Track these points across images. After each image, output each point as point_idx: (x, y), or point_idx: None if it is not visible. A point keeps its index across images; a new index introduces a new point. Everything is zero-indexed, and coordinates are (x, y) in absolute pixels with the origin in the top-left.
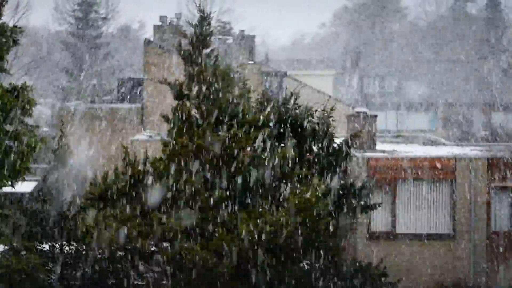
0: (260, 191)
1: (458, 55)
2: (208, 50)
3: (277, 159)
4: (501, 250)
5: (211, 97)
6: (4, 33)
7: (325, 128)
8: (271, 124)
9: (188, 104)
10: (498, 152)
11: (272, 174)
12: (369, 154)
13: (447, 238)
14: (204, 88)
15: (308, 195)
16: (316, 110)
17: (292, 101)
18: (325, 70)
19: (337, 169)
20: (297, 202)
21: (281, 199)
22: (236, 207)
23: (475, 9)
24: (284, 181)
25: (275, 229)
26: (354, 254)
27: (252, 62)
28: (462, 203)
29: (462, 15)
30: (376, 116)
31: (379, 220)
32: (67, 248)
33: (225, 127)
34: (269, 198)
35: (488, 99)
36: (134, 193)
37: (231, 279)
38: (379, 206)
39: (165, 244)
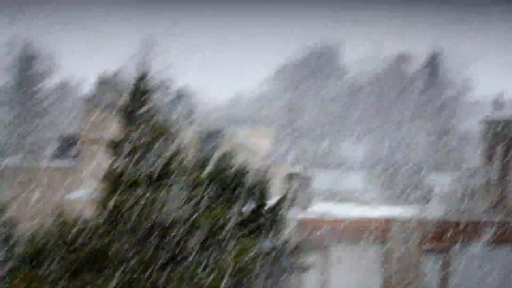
0: (194, 252)
1: (397, 114)
2: (146, 108)
3: (212, 220)
4: None
5: (149, 155)
6: None
7: (261, 188)
8: (207, 184)
9: (125, 161)
10: (433, 214)
11: (207, 235)
12: (302, 216)
13: None
14: (141, 146)
15: (239, 256)
16: (252, 170)
17: (228, 160)
18: (263, 129)
19: (270, 230)
20: (228, 263)
21: (214, 261)
22: (170, 269)
23: (414, 68)
24: (218, 242)
25: None
26: None
27: (190, 119)
28: (394, 265)
29: (401, 74)
30: (311, 176)
31: (311, 281)
32: None
33: (161, 186)
34: (203, 259)
35: (425, 159)
36: (66, 254)
37: None
38: (311, 267)
39: None
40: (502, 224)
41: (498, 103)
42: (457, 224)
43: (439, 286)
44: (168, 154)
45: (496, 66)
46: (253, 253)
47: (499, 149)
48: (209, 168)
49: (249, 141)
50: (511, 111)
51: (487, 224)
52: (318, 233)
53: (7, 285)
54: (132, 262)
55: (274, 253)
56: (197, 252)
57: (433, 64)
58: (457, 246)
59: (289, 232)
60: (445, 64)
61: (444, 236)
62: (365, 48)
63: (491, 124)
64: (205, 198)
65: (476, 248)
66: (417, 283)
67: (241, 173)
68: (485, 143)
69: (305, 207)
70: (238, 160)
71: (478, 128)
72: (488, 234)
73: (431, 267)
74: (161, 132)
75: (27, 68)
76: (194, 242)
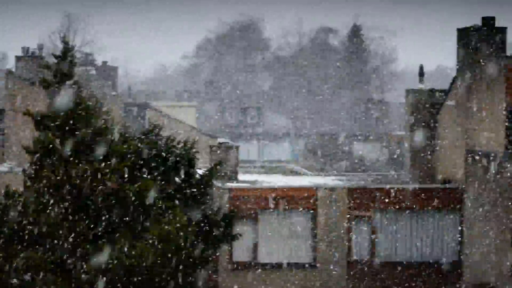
0: (123, 223)
1: (321, 85)
2: (71, 82)
3: (139, 191)
4: (361, 278)
5: (74, 128)
6: None
7: (188, 159)
8: (134, 156)
9: (50, 135)
10: (359, 181)
11: (135, 206)
12: (231, 185)
13: (309, 267)
14: (66, 119)
15: (170, 226)
16: (178, 141)
17: (154, 133)
18: (187, 102)
19: (200, 200)
20: (158, 233)
21: (143, 232)
22: (100, 241)
23: (337, 40)
24: (146, 212)
25: (136, 261)
26: (216, 284)
27: (115, 93)
28: (323, 232)
29: (325, 46)
30: (238, 146)
31: (241, 250)
32: None
33: (88, 159)
34: (131, 230)
35: (350, 129)
36: None
37: None
38: (241, 236)
39: (26, 278)
40: (428, 190)
41: (420, 74)
42: (383, 190)
43: (367, 251)
44: (94, 127)
45: (417, 39)
46: (183, 223)
47: (422, 118)
48: (135, 140)
49: (175, 113)
50: (432, 82)
51: (412, 190)
52: (247, 202)
53: None
54: (62, 234)
55: (204, 222)
56: (127, 223)
57: (356, 37)
58: (384, 212)
59: (218, 201)
60: (368, 36)
61: (370, 203)
62: (288, 21)
63: (415, 94)
64: (133, 169)
65: (402, 213)
66: (345, 249)
67: (168, 144)
68: (409, 112)
69: (233, 177)
70: (164, 132)
71: (402, 98)
72: (414, 200)
73: (358, 233)
74: (87, 106)
75: None
76: (124, 213)
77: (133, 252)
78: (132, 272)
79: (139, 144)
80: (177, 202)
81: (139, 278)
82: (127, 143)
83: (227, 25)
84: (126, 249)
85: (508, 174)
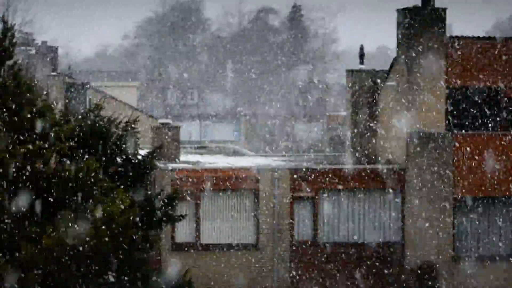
0: (64, 204)
1: (261, 66)
2: (11, 62)
3: (81, 172)
4: (304, 259)
5: (13, 109)
6: None
7: (130, 140)
8: (75, 136)
9: None
10: (301, 162)
11: (77, 186)
12: (173, 166)
13: (251, 248)
14: (6, 100)
15: (112, 207)
16: (120, 122)
17: (95, 113)
18: (128, 82)
19: (142, 181)
20: (101, 214)
21: (85, 212)
22: (43, 222)
23: (278, 21)
24: (88, 193)
25: (78, 242)
26: (159, 265)
27: (55, 74)
28: (266, 213)
29: (265, 26)
30: (179, 127)
31: (183, 231)
32: None
33: (28, 139)
34: (73, 211)
35: (291, 110)
36: None
37: None
38: (183, 217)
39: None
40: (370, 170)
41: (361, 55)
42: (326, 171)
43: (310, 232)
44: (35, 107)
45: (358, 20)
46: (125, 204)
47: (363, 99)
48: (76, 120)
49: (116, 94)
50: (373, 62)
51: (354, 171)
52: (189, 183)
53: None
54: (6, 215)
55: (146, 203)
56: (68, 203)
57: (296, 17)
58: (326, 192)
59: (160, 182)
60: (309, 17)
61: (313, 184)
62: (228, 1)
63: (355, 75)
64: (74, 150)
65: (345, 194)
66: (288, 230)
67: (109, 124)
68: (350, 93)
69: (175, 158)
70: (105, 112)
71: (343, 79)
72: (356, 181)
73: (301, 214)
74: (27, 87)
75: None
76: (65, 193)
77: (75, 233)
78: (74, 253)
79: (80, 124)
80: (119, 183)
81: (81, 259)
82: (68, 123)
83: (168, 5)
84: (67, 230)
85: (449, 154)
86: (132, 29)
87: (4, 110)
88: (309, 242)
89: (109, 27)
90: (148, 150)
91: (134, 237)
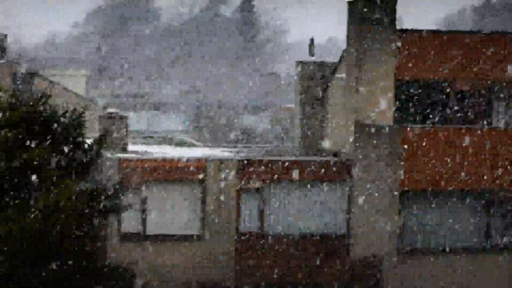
0: (12, 193)
1: (212, 56)
2: None
3: (28, 160)
4: (250, 251)
5: None
6: None
7: (77, 129)
8: (22, 125)
9: None
10: (249, 154)
11: (24, 175)
12: (121, 155)
13: (198, 239)
14: None
15: (60, 196)
16: (67, 111)
17: (43, 101)
18: (77, 70)
19: (89, 170)
20: (47, 203)
21: (31, 201)
22: None
23: (229, 11)
24: (35, 182)
25: (25, 231)
26: (105, 255)
27: (3, 61)
28: (212, 204)
29: (216, 16)
30: (127, 116)
31: (130, 222)
32: None
33: None
34: (21, 200)
35: (241, 101)
36: None
37: None
38: (130, 207)
39: None
40: (318, 162)
41: (310, 46)
42: (273, 162)
43: (256, 223)
44: None
45: (309, 11)
46: (71, 193)
47: (313, 90)
48: (23, 108)
49: (64, 82)
50: (323, 54)
51: (302, 162)
52: (136, 173)
53: None
54: None
55: (92, 193)
56: (15, 192)
57: (247, 8)
58: (274, 184)
59: (107, 172)
60: (260, 7)
61: (260, 175)
62: None
63: (305, 66)
64: (21, 138)
65: (292, 186)
66: (235, 221)
67: (57, 113)
68: (300, 85)
69: (123, 148)
70: (53, 101)
71: (293, 70)
72: (303, 172)
73: (248, 205)
74: None
75: None
76: (13, 182)
77: (22, 222)
78: (21, 242)
79: (27, 112)
80: (66, 172)
81: (28, 249)
82: (15, 111)
83: None
84: (15, 219)
85: (396, 147)
86: (81, 17)
87: None
88: (255, 234)
89: (59, 14)
90: (94, 140)
91: (81, 226)
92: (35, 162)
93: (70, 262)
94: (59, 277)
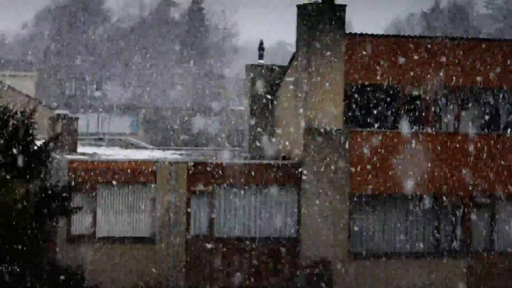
0: None
1: (162, 59)
2: None
3: None
4: (199, 254)
5: None
6: None
7: (26, 130)
8: None
9: None
10: (199, 156)
11: None
12: (70, 157)
13: (147, 242)
14: None
15: (7, 198)
16: (16, 112)
17: None
18: (26, 72)
19: (38, 172)
20: None
21: None
22: None
23: (178, 13)
24: None
25: None
26: (53, 257)
27: None
28: (162, 207)
29: (165, 18)
30: (77, 118)
31: (79, 224)
32: None
33: None
34: None
35: (190, 103)
36: None
37: None
38: (79, 209)
39: None
40: (267, 166)
41: (260, 49)
42: (223, 165)
43: (206, 226)
44: None
45: (259, 14)
46: (20, 195)
47: (262, 94)
48: None
49: (13, 83)
50: (273, 57)
51: (251, 166)
52: (86, 175)
53: None
54: None
55: (42, 195)
56: None
57: (196, 10)
58: (223, 187)
59: (56, 174)
60: (209, 10)
61: (210, 178)
62: None
63: (255, 69)
64: None
65: (242, 189)
66: (185, 224)
67: (5, 114)
68: (249, 88)
69: (72, 149)
70: (2, 102)
71: (242, 73)
72: (253, 175)
73: (197, 208)
74: None
75: None
76: None
77: None
78: None
79: None
80: (14, 173)
81: None
82: None
83: None
84: None
85: (345, 151)
86: (31, 18)
87: None
88: (205, 237)
89: (7, 15)
90: (44, 141)
91: (29, 228)
92: None
93: (18, 264)
94: (6, 280)
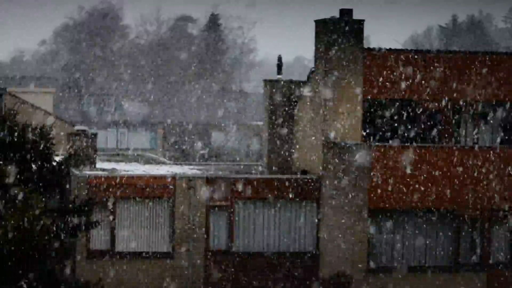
0: None
1: (180, 74)
2: None
3: None
4: (218, 268)
5: None
6: None
7: (45, 146)
8: None
9: None
10: (217, 171)
11: None
12: (89, 173)
13: (166, 257)
14: None
15: (26, 214)
16: (35, 128)
17: (11, 119)
18: (45, 88)
19: (57, 188)
20: (14, 221)
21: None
22: None
23: (196, 29)
24: (2, 199)
25: None
26: (73, 272)
27: None
28: (181, 222)
29: (183, 35)
30: (96, 134)
31: (98, 239)
32: None
33: None
34: None
35: (208, 119)
36: None
37: None
38: (99, 224)
39: None
40: (286, 180)
41: (279, 65)
42: (242, 180)
43: (225, 241)
44: None
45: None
46: (40, 211)
47: (280, 109)
48: None
49: (32, 99)
50: (291, 73)
51: (271, 180)
52: (105, 190)
53: None
54: None
55: (61, 210)
56: None
57: (214, 26)
58: (242, 202)
59: (75, 189)
60: (227, 26)
61: (229, 193)
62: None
63: (273, 84)
64: None
65: (261, 204)
66: (204, 238)
67: (24, 130)
68: (267, 103)
69: (91, 165)
70: (21, 118)
71: (260, 88)
72: (272, 190)
73: (217, 223)
74: None
75: None
76: None
77: None
78: None
79: None
80: (33, 189)
81: None
82: None
83: (86, 12)
84: None
85: (363, 165)
86: (49, 35)
87: None
88: (224, 251)
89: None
90: (63, 157)
91: (48, 244)
92: (1, 179)
93: (37, 280)
94: None
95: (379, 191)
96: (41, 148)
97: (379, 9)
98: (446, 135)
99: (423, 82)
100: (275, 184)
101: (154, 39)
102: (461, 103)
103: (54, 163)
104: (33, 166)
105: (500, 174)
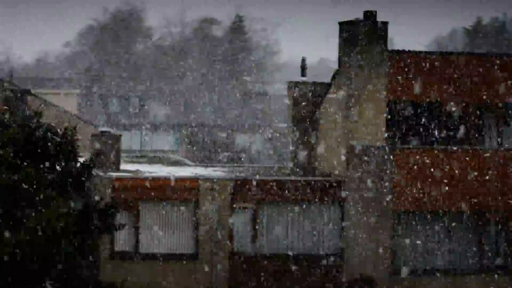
0: (3, 212)
1: (204, 76)
2: None
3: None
4: (243, 270)
5: None
6: None
7: (69, 147)
8: (14, 143)
9: None
10: (242, 173)
11: (15, 194)
12: (113, 174)
13: (190, 259)
14: None
15: (50, 215)
16: (60, 129)
17: (35, 120)
18: (69, 89)
19: (81, 189)
20: (39, 222)
21: (23, 219)
22: None
23: (220, 31)
24: (26, 201)
25: (14, 249)
26: (97, 274)
27: None
28: (205, 224)
29: (207, 36)
30: (120, 136)
31: (122, 240)
32: None
33: None
34: (12, 218)
35: (233, 121)
36: None
37: None
38: (123, 226)
39: None
40: (310, 182)
41: (303, 66)
42: (266, 182)
43: (249, 243)
44: None
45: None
46: (64, 212)
47: (305, 111)
48: (16, 127)
49: (56, 101)
50: (315, 74)
51: (295, 182)
52: (129, 192)
53: None
54: None
55: (85, 212)
56: (7, 211)
57: (238, 28)
58: (267, 204)
59: (99, 191)
60: (251, 28)
61: (253, 195)
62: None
63: (297, 87)
64: (13, 157)
65: (285, 206)
66: (228, 241)
67: (49, 132)
68: (291, 105)
69: (115, 166)
70: (46, 120)
71: (284, 90)
72: (296, 192)
73: (241, 225)
74: None
75: None
76: (4, 201)
77: (13, 241)
78: (12, 260)
79: (19, 131)
80: (57, 190)
81: (20, 267)
82: (7, 130)
83: (110, 13)
84: (6, 237)
85: (388, 167)
86: (73, 36)
87: None
88: (248, 254)
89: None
90: (87, 158)
91: (72, 245)
92: (26, 181)
93: (61, 281)
94: None
95: (402, 192)
96: (65, 149)
97: (404, 11)
98: (471, 137)
99: (447, 84)
100: (300, 186)
101: (178, 40)
102: (485, 105)
103: (78, 164)
104: (57, 167)
105: None
